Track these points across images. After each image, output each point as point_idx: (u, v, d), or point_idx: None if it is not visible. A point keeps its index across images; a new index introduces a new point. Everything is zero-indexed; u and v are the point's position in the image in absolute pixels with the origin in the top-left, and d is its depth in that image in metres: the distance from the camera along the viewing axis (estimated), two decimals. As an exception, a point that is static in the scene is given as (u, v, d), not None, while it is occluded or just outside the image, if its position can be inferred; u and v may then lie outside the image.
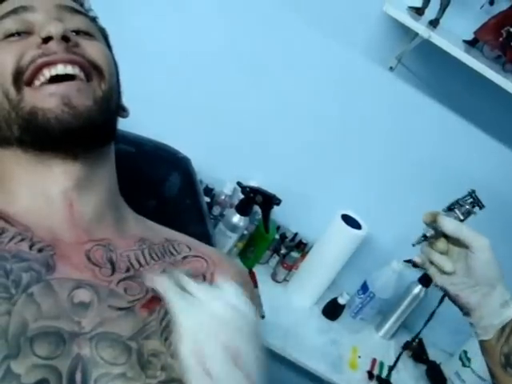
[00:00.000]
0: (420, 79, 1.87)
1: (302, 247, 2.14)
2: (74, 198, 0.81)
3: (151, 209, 1.13)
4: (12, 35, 0.80)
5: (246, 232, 2.01)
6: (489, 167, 1.97)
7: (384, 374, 1.95)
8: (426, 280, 2.06)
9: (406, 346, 2.16)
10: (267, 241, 2.08)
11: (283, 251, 2.13)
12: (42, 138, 0.76)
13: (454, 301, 0.98)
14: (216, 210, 2.08)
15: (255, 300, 0.97)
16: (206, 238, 1.15)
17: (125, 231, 0.88)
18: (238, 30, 1.86)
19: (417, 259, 1.04)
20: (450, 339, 2.24)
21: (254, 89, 1.93)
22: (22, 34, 0.80)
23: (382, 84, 1.90)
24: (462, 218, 0.97)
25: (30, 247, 0.74)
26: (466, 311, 0.97)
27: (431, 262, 1.00)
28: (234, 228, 1.87)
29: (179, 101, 1.96)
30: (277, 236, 2.14)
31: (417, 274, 2.10)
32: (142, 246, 0.87)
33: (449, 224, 0.95)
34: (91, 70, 0.81)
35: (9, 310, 0.65)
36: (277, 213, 1.96)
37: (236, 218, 1.86)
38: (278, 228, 2.16)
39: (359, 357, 1.99)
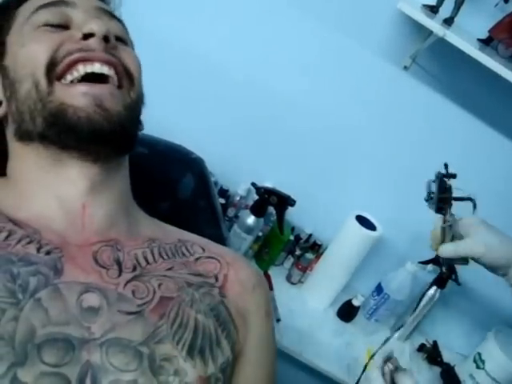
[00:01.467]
0: (434, 78, 1.83)
1: (316, 248, 2.11)
2: (88, 200, 0.79)
3: (164, 211, 1.10)
4: (48, 26, 0.78)
5: (260, 234, 1.98)
6: (505, 167, 1.93)
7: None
8: (441, 281, 2.01)
9: (421, 348, 2.12)
10: (282, 242, 2.05)
11: (298, 252, 2.10)
12: (67, 135, 0.74)
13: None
14: (231, 212, 2.05)
15: (271, 302, 0.94)
16: (221, 241, 1.12)
17: (136, 232, 0.86)
18: (251, 29, 1.84)
19: None
20: (465, 341, 2.20)
21: (268, 89, 1.90)
22: (59, 27, 0.79)
23: (397, 83, 1.86)
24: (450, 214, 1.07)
25: (38, 250, 0.72)
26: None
27: None
28: (248, 230, 1.84)
29: (192, 101, 1.94)
30: (291, 237, 2.10)
31: (432, 275, 2.05)
32: (152, 244, 0.85)
33: (446, 253, 1.12)
34: (124, 76, 0.80)
35: (16, 316, 0.63)
36: (291, 214, 1.93)
37: (251, 220, 1.83)
38: (293, 229, 2.13)
39: (374, 359, 1.94)
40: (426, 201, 1.08)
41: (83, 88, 0.74)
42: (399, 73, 1.83)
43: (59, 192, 0.78)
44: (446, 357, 2.14)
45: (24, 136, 0.78)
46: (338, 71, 1.86)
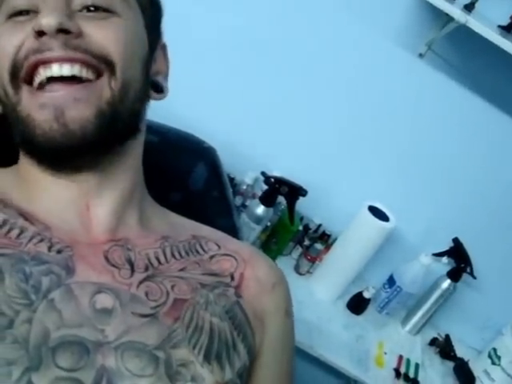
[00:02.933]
0: (451, 66, 1.81)
1: (325, 239, 2.09)
2: (90, 202, 0.76)
3: (176, 202, 1.07)
4: (19, 13, 0.69)
5: (268, 223, 1.96)
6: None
7: (411, 372, 1.89)
8: (455, 274, 2.00)
9: (433, 342, 2.11)
10: (291, 232, 2.03)
11: (306, 243, 2.08)
12: (34, 152, 0.71)
13: None
14: (238, 201, 2.03)
15: (290, 299, 0.91)
16: (234, 232, 1.09)
17: (147, 229, 0.83)
18: (263, 14, 1.81)
19: None
20: (478, 336, 2.19)
21: (278, 76, 1.88)
22: (28, 13, 0.68)
23: (412, 71, 1.84)
24: None
25: (49, 248, 0.69)
26: None
27: None
28: (258, 219, 1.81)
29: (199, 87, 1.91)
30: (300, 227, 2.08)
31: (445, 267, 2.04)
32: (164, 243, 0.81)
33: None
34: (99, 64, 0.68)
35: (29, 318, 0.60)
36: (300, 203, 1.90)
37: (260, 210, 1.81)
38: (302, 219, 2.11)
39: (385, 353, 1.93)
40: None
41: (43, 98, 0.66)
42: (414, 60, 1.81)
43: (58, 196, 0.75)
44: (459, 351, 2.13)
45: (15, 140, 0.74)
46: (350, 59, 1.84)
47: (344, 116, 1.92)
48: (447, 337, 2.16)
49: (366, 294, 1.99)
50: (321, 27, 1.79)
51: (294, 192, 1.78)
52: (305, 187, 1.80)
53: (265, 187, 1.84)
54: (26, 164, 0.76)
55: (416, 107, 1.89)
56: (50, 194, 0.75)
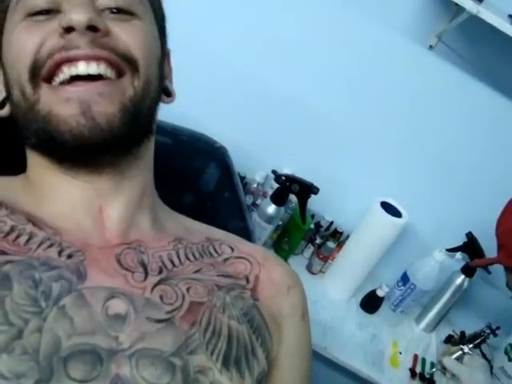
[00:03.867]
0: (462, 58, 1.78)
1: (337, 236, 2.07)
2: (103, 204, 0.75)
3: (188, 203, 1.08)
4: (38, 13, 0.69)
5: (280, 222, 1.94)
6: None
7: (426, 371, 1.87)
8: (469, 269, 1.98)
9: (448, 340, 2.09)
10: (303, 231, 2.01)
11: (318, 241, 2.07)
12: (57, 151, 0.69)
13: None
14: (248, 200, 2.01)
15: (305, 302, 0.90)
16: (246, 234, 1.09)
17: (159, 232, 0.82)
18: (268, 10, 1.79)
19: None
20: (494, 332, 2.17)
21: (286, 71, 1.86)
22: (48, 12, 0.69)
23: (422, 64, 1.81)
24: None
25: (59, 253, 0.68)
26: None
27: None
28: (269, 219, 1.80)
29: (207, 84, 1.90)
30: (311, 225, 2.07)
31: (460, 263, 2.02)
32: (178, 245, 0.81)
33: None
34: (123, 64, 0.70)
35: (39, 327, 0.59)
36: (310, 200, 1.88)
37: (271, 209, 1.79)
38: (313, 216, 2.09)
39: (400, 353, 1.91)
40: None
41: (67, 92, 0.66)
42: (424, 53, 1.78)
43: (71, 199, 0.74)
44: (475, 349, 2.10)
45: (26, 142, 0.75)
46: (359, 53, 1.82)
47: (353, 111, 1.90)
48: (462, 334, 2.14)
49: (380, 293, 1.97)
50: (329, 22, 1.78)
51: (306, 190, 1.76)
52: (316, 184, 1.78)
53: (275, 185, 1.82)
54: (37, 167, 0.76)
55: (427, 100, 1.86)
56: (61, 197, 0.74)
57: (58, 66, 0.67)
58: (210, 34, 1.82)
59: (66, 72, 0.67)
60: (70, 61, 0.66)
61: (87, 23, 0.66)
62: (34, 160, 0.76)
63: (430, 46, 1.77)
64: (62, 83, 0.67)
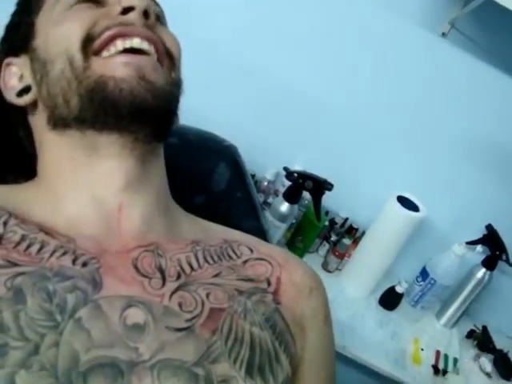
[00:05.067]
0: (477, 44, 1.77)
1: (353, 233, 2.07)
2: (124, 200, 0.74)
3: (199, 205, 1.05)
4: (82, 2, 0.74)
5: (294, 220, 1.93)
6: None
7: (450, 367, 1.86)
8: (490, 262, 1.96)
9: (470, 335, 2.08)
10: (317, 228, 2.00)
11: (333, 238, 2.06)
12: (107, 112, 0.69)
13: None
14: (259, 198, 2.00)
15: (328, 304, 0.89)
16: (261, 234, 1.07)
17: (176, 234, 0.81)
18: (281, 3, 1.79)
19: None
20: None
21: (297, 65, 1.86)
22: (95, 2, 0.75)
23: (435, 52, 1.80)
24: None
25: (73, 261, 0.67)
26: None
27: None
28: (282, 217, 1.78)
29: (215, 82, 1.90)
30: (326, 222, 2.05)
31: (480, 256, 2.01)
32: (196, 247, 0.80)
33: None
34: (164, 55, 0.76)
35: (56, 341, 0.58)
36: (324, 197, 1.87)
37: (284, 207, 1.78)
38: (327, 213, 2.08)
39: (422, 349, 1.90)
40: None
41: (124, 58, 0.70)
42: (437, 40, 1.78)
43: (94, 189, 0.73)
44: (498, 343, 2.09)
45: (58, 123, 0.74)
46: (370, 43, 1.81)
47: (365, 102, 1.89)
48: (484, 328, 2.13)
49: (399, 289, 1.96)
50: (342, 11, 1.77)
51: (320, 186, 1.75)
52: (329, 180, 1.77)
53: (287, 183, 1.81)
54: (56, 162, 0.76)
55: (441, 89, 1.85)
56: (81, 194, 0.74)
57: (112, 39, 0.71)
58: (220, 29, 1.83)
59: (119, 45, 0.71)
60: (126, 35, 0.71)
61: (146, 7, 0.73)
62: (57, 149, 0.75)
63: (443, 34, 1.76)
64: (110, 56, 0.71)
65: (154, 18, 0.75)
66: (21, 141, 0.84)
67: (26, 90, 0.77)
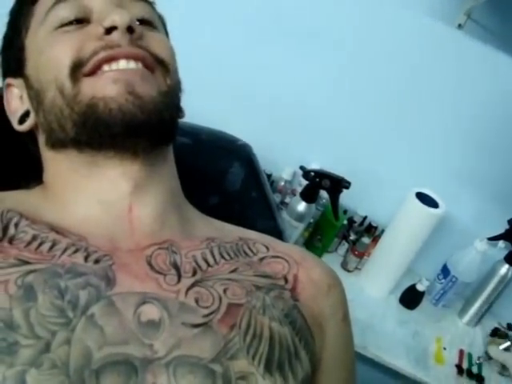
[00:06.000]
0: (494, 35, 1.75)
1: (372, 231, 2.06)
2: (133, 201, 0.75)
3: (213, 205, 1.07)
4: (68, 24, 0.75)
5: (311, 220, 1.94)
6: None
7: (474, 367, 1.85)
8: (514, 258, 1.95)
9: (494, 333, 2.06)
10: (335, 227, 2.00)
11: (352, 237, 2.06)
12: (101, 133, 0.70)
13: None
14: (276, 198, 2.01)
15: (346, 302, 0.89)
16: (277, 234, 1.07)
17: (190, 232, 0.81)
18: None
19: None
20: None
21: (311, 62, 1.86)
22: (79, 22, 0.76)
23: (451, 44, 1.79)
24: None
25: (86, 258, 0.68)
26: None
27: None
28: (299, 217, 1.79)
29: (228, 80, 1.91)
30: (344, 221, 2.06)
31: (502, 252, 1.99)
32: (211, 244, 0.80)
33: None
34: (155, 64, 0.76)
35: (68, 339, 0.58)
36: (342, 195, 1.87)
37: (301, 207, 1.78)
38: (345, 212, 2.08)
39: (444, 348, 1.89)
40: None
41: (113, 74, 0.71)
42: (453, 32, 1.76)
43: (101, 196, 0.75)
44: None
45: (56, 144, 0.77)
46: (386, 35, 1.80)
47: (383, 97, 1.89)
48: (509, 326, 2.11)
49: (420, 287, 1.96)
50: (354, 3, 1.77)
51: (337, 185, 1.75)
52: (346, 178, 1.77)
53: (304, 182, 1.81)
54: (61, 172, 0.78)
55: (458, 83, 1.84)
56: (88, 199, 0.75)
57: (101, 64, 0.72)
58: (232, 28, 1.84)
59: (106, 69, 0.72)
60: (113, 59, 0.72)
61: (128, 23, 0.72)
62: (59, 162, 0.78)
63: (459, 25, 1.75)
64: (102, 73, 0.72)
65: (139, 31, 0.75)
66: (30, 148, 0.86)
67: (26, 115, 0.80)
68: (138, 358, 0.60)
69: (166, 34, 0.90)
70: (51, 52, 0.73)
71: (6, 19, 0.85)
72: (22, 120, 0.81)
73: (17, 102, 0.82)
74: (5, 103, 0.84)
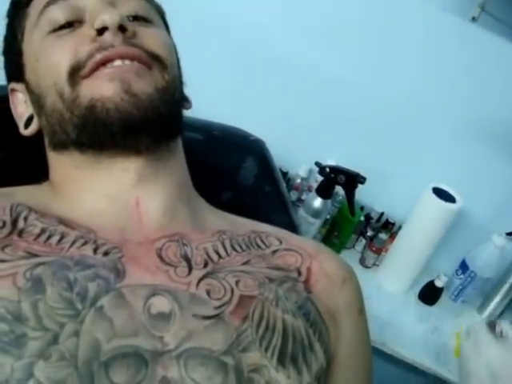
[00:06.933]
0: (509, 27, 1.73)
1: (389, 227, 2.05)
2: (140, 195, 0.76)
3: (226, 201, 1.07)
4: (58, 29, 0.76)
5: (328, 216, 1.93)
6: None
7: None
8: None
9: (516, 328, 2.05)
10: (352, 224, 1.99)
11: (370, 233, 2.05)
12: (100, 134, 0.71)
13: None
14: (293, 195, 2.01)
15: (361, 296, 0.88)
16: (292, 229, 1.07)
17: (201, 225, 0.81)
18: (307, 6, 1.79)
19: None
20: None
21: (326, 56, 1.85)
22: (71, 25, 0.76)
23: (465, 38, 1.77)
24: None
25: (95, 251, 0.68)
26: None
27: None
28: (316, 213, 1.78)
29: (243, 76, 1.92)
30: (361, 217, 2.05)
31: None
32: (222, 236, 0.80)
33: None
34: (151, 61, 0.75)
35: (76, 331, 0.58)
36: (359, 191, 1.85)
37: (317, 202, 1.78)
38: (362, 208, 2.07)
39: (464, 344, 1.88)
40: None
41: (108, 71, 0.71)
42: (467, 25, 1.74)
43: (107, 191, 0.76)
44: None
45: (58, 146, 0.78)
46: (398, 30, 1.79)
47: (396, 91, 1.87)
48: (530, 321, 2.09)
49: (439, 283, 1.94)
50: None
51: (352, 180, 1.74)
52: (362, 174, 1.76)
53: (319, 178, 1.81)
54: (66, 170, 0.79)
55: (473, 77, 1.82)
56: (94, 195, 0.76)
57: (99, 66, 0.72)
58: (245, 17, 1.84)
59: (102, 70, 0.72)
60: (109, 60, 0.72)
61: (119, 22, 0.72)
62: (63, 161, 0.79)
63: (473, 18, 1.72)
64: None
65: (131, 29, 0.75)
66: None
67: (31, 119, 0.82)
68: (147, 350, 0.60)
69: (166, 25, 0.90)
70: (47, 59, 0.75)
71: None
72: (27, 124, 0.82)
73: (23, 106, 0.84)
74: (12, 108, 0.86)
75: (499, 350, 0.88)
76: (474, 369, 0.95)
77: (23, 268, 0.62)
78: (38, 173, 0.83)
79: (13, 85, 0.84)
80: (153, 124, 0.73)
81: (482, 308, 2.06)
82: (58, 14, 0.76)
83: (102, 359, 0.57)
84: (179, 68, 0.85)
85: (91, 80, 0.72)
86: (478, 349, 0.96)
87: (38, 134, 0.83)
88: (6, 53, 0.86)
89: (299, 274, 0.80)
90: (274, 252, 0.82)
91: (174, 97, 0.78)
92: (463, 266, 1.99)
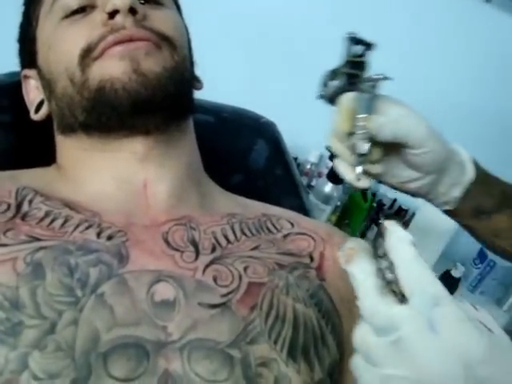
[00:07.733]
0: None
1: (402, 214, 2.03)
2: (148, 177, 0.74)
3: (237, 184, 1.05)
4: (73, 13, 0.76)
5: (338, 203, 1.90)
6: None
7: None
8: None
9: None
10: (364, 210, 1.96)
11: (382, 221, 2.00)
12: (108, 115, 0.72)
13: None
14: (303, 181, 1.98)
15: None
16: (303, 212, 1.04)
17: (211, 208, 0.79)
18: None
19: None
20: None
21: (340, 39, 1.81)
22: (84, 9, 0.76)
23: (480, 19, 1.75)
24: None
25: (98, 235, 0.66)
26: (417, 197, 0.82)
27: None
28: (326, 199, 1.77)
29: (255, 58, 1.90)
30: (374, 204, 2.02)
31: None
32: (232, 220, 0.78)
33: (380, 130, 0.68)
34: (161, 42, 0.76)
35: (75, 319, 0.56)
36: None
37: (328, 188, 1.77)
38: (374, 195, 2.04)
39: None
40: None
41: (119, 48, 0.71)
42: (482, 6, 1.72)
43: (115, 173, 0.75)
44: None
45: (66, 129, 0.79)
46: (412, 11, 1.78)
47: (409, 74, 1.84)
48: (551, 313, 2.05)
49: (455, 273, 1.90)
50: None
51: (363, 164, 1.71)
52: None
53: (330, 164, 1.80)
54: (73, 152, 0.79)
55: (488, 58, 1.79)
56: (101, 177, 0.75)
57: (109, 48, 0.72)
58: (249, 7, 1.83)
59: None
60: (119, 43, 0.72)
61: (130, 5, 0.72)
62: (70, 146, 0.79)
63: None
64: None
65: (142, 11, 0.75)
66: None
67: (41, 104, 0.83)
68: (149, 340, 0.58)
69: (178, 7, 0.90)
70: (60, 45, 0.75)
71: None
72: (38, 109, 0.83)
73: (35, 92, 0.84)
74: (24, 94, 0.86)
75: None
76: None
77: (24, 252, 0.61)
78: (47, 156, 0.84)
79: (26, 71, 0.85)
80: (161, 103, 0.72)
81: (501, 300, 2.01)
82: (71, 0, 0.76)
83: (101, 350, 0.55)
84: (190, 49, 0.86)
85: (101, 60, 0.72)
86: None
87: (48, 118, 0.83)
88: (20, 40, 0.87)
89: (311, 259, 0.77)
90: (286, 236, 0.80)
91: (183, 76, 0.77)
92: (481, 255, 1.95)
